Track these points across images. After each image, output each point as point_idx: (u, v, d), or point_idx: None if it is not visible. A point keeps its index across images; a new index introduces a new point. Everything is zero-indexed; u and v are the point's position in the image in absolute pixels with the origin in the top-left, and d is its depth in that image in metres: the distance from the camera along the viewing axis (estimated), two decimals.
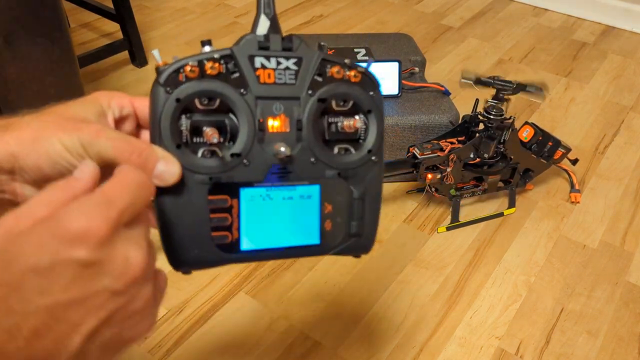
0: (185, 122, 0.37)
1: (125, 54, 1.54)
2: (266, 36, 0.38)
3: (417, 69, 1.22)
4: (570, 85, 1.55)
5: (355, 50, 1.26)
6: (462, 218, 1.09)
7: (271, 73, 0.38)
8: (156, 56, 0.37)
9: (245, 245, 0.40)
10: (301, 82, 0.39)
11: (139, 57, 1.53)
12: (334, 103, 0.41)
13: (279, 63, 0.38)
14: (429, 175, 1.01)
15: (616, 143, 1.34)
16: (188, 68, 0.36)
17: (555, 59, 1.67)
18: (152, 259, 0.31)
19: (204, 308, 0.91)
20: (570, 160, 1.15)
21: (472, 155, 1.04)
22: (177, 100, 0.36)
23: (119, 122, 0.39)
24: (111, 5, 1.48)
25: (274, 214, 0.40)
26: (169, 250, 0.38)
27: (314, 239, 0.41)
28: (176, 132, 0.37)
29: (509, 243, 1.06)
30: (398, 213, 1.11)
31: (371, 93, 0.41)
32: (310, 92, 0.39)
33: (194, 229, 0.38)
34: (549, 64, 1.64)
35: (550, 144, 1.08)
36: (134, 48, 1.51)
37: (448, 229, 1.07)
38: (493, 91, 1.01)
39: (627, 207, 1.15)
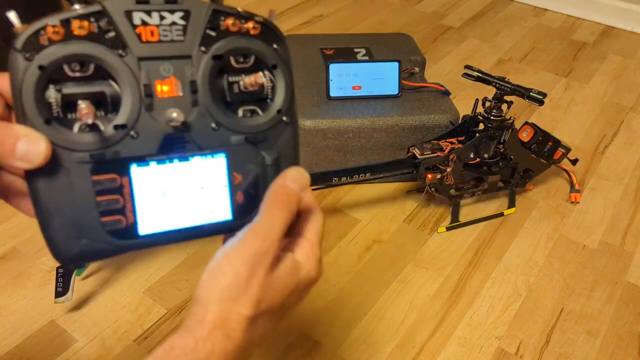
0: (54, 94, 0.32)
1: None
2: None
3: (417, 69, 1.22)
4: (570, 85, 1.55)
5: (355, 50, 1.26)
6: (462, 218, 1.09)
7: (154, 30, 0.33)
8: (12, 19, 0.31)
9: (144, 229, 0.35)
10: (191, 37, 0.34)
11: None
12: (233, 60, 0.36)
13: (162, 18, 0.33)
14: (429, 175, 1.01)
15: (616, 143, 1.34)
16: (50, 29, 0.31)
17: (555, 59, 1.67)
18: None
19: None
20: (570, 160, 1.15)
21: (472, 155, 1.04)
22: (40, 67, 0.31)
23: None
24: None
25: (174, 190, 0.35)
26: (52, 242, 0.34)
27: (225, 214, 0.37)
28: (43, 105, 0.32)
29: (509, 243, 1.06)
30: (398, 213, 1.11)
31: (275, 46, 0.37)
32: (203, 48, 0.35)
33: (78, 215, 0.33)
34: (548, 64, 1.64)
35: (550, 144, 1.08)
36: None
37: (448, 229, 1.07)
38: (494, 92, 1.01)
39: (627, 207, 1.15)
